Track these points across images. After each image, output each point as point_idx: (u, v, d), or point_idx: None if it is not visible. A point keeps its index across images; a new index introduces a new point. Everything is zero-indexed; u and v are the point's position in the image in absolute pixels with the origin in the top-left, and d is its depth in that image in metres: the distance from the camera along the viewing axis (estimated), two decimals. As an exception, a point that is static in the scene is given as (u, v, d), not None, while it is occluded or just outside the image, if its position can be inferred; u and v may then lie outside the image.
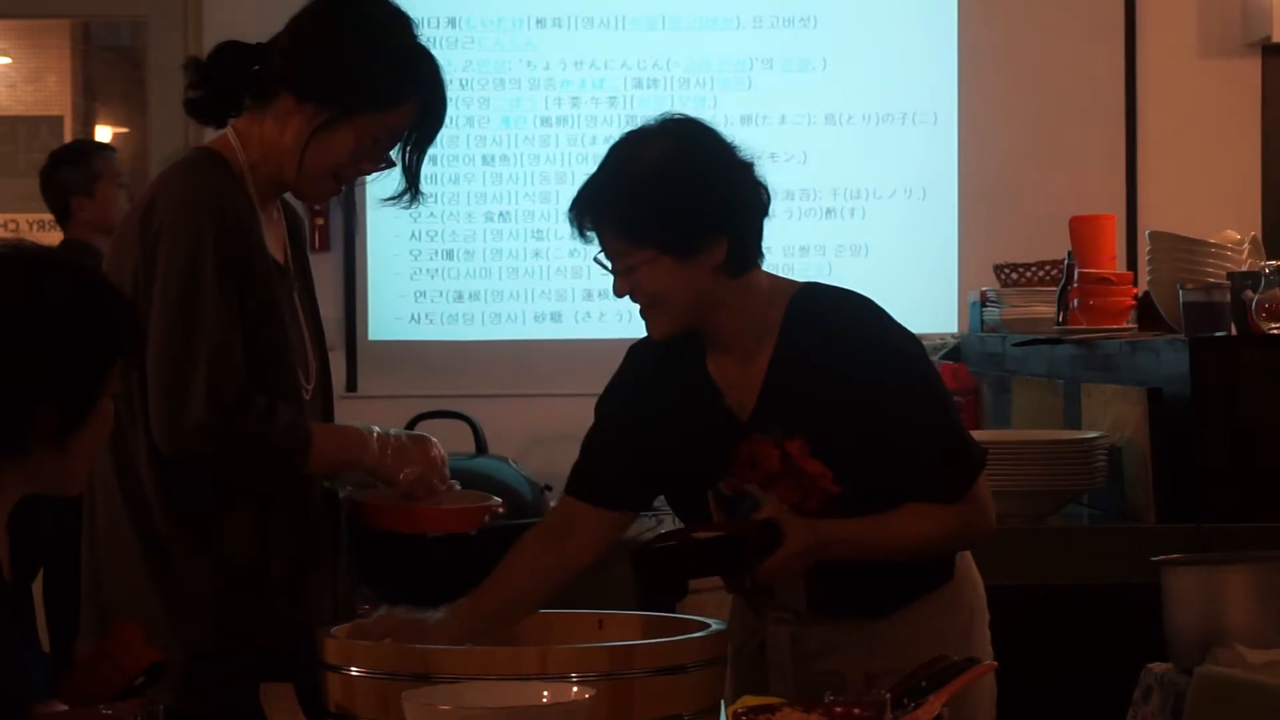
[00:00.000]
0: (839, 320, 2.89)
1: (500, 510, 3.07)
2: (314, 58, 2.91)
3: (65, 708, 2.38)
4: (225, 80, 2.96)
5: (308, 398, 2.98)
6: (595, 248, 2.87)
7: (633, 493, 3.02)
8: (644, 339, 2.99)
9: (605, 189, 2.84)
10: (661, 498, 3.12)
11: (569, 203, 2.87)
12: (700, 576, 2.81)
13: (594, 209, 2.85)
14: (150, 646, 2.56)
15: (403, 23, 2.96)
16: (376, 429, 2.98)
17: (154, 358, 2.82)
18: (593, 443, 3.03)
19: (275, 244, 3.00)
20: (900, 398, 2.85)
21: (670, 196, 2.80)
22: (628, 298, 2.88)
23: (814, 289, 2.95)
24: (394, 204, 3.03)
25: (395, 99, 2.92)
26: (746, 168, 2.87)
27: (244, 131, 2.96)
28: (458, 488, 3.12)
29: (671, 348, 2.94)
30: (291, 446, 2.87)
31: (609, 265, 2.87)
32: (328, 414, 3.07)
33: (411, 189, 3.01)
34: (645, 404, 2.98)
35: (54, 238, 8.24)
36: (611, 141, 2.90)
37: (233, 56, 2.97)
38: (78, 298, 2.45)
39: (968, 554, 3.06)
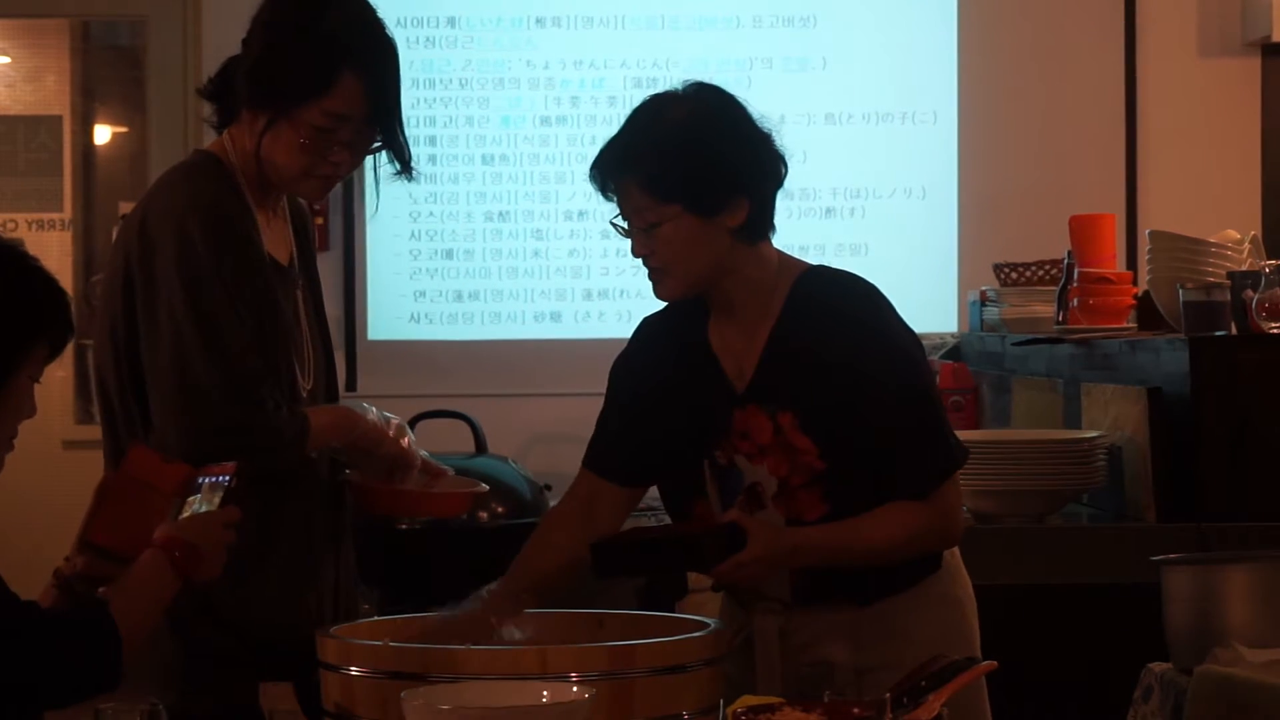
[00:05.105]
0: (840, 305, 2.94)
1: (485, 494, 3.09)
2: (245, 66, 2.95)
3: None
4: (220, 96, 3.02)
5: (305, 395, 2.99)
6: (607, 212, 2.91)
7: (642, 467, 3.04)
8: (654, 313, 3.05)
9: (633, 145, 2.88)
10: (656, 497, 3.13)
11: (591, 163, 2.90)
12: (655, 572, 2.85)
13: (621, 165, 2.88)
14: (173, 461, 2.57)
15: (319, 5, 2.94)
16: (372, 410, 3.02)
17: (166, 360, 2.83)
18: (604, 417, 3.08)
19: (278, 243, 3.00)
20: (886, 386, 2.88)
21: (698, 154, 2.86)
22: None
23: (822, 271, 3.01)
24: (398, 179, 3.02)
25: (322, 83, 2.90)
26: (768, 137, 2.95)
27: (235, 136, 3.00)
28: (451, 474, 3.14)
29: (677, 319, 3.00)
30: (297, 433, 2.89)
31: (625, 227, 2.90)
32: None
33: (402, 165, 3.00)
34: (649, 375, 3.03)
35: (54, 238, 8.27)
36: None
37: (226, 72, 3.01)
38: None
39: (955, 551, 3.06)
